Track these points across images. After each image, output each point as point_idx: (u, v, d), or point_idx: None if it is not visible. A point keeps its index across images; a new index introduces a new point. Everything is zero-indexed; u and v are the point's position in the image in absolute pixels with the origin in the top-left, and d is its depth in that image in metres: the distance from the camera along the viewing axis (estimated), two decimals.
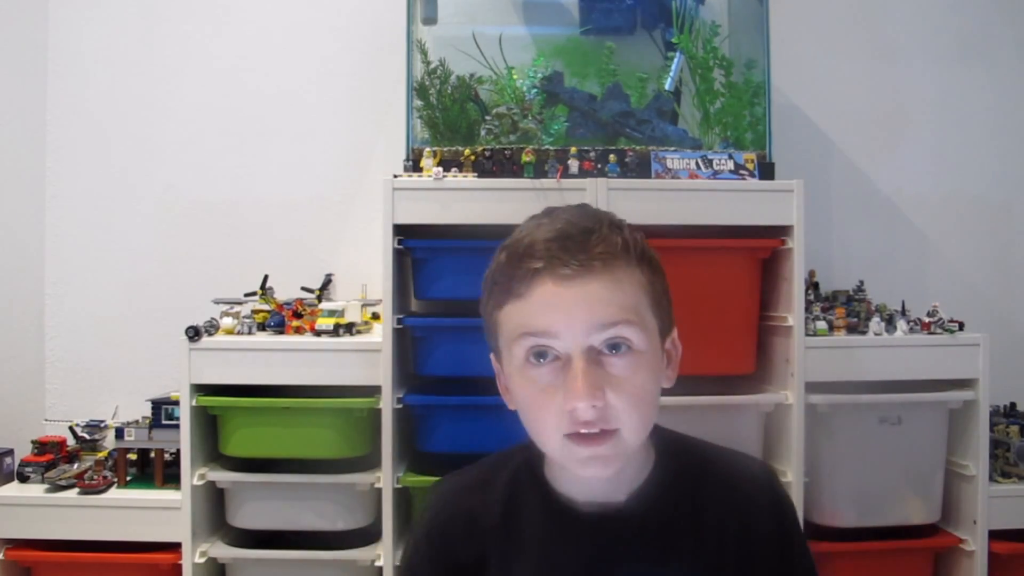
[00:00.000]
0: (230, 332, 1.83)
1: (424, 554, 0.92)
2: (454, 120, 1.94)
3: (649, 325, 0.82)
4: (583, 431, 0.78)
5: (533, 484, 0.89)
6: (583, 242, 0.79)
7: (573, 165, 1.81)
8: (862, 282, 2.01)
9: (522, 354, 0.81)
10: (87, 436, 2.02)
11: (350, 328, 1.85)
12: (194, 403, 1.76)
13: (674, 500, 0.87)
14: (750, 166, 1.84)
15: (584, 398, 0.76)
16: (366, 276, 2.03)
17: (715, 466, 0.91)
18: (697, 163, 1.84)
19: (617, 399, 0.78)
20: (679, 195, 1.78)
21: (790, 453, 1.76)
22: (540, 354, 0.80)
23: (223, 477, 1.81)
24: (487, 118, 1.93)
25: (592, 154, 1.85)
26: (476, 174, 1.80)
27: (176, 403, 1.81)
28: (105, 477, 1.89)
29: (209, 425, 1.84)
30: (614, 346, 0.79)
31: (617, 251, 0.80)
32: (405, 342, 1.85)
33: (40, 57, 2.23)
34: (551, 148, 1.87)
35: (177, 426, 1.78)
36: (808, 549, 0.91)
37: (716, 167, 1.84)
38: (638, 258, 0.82)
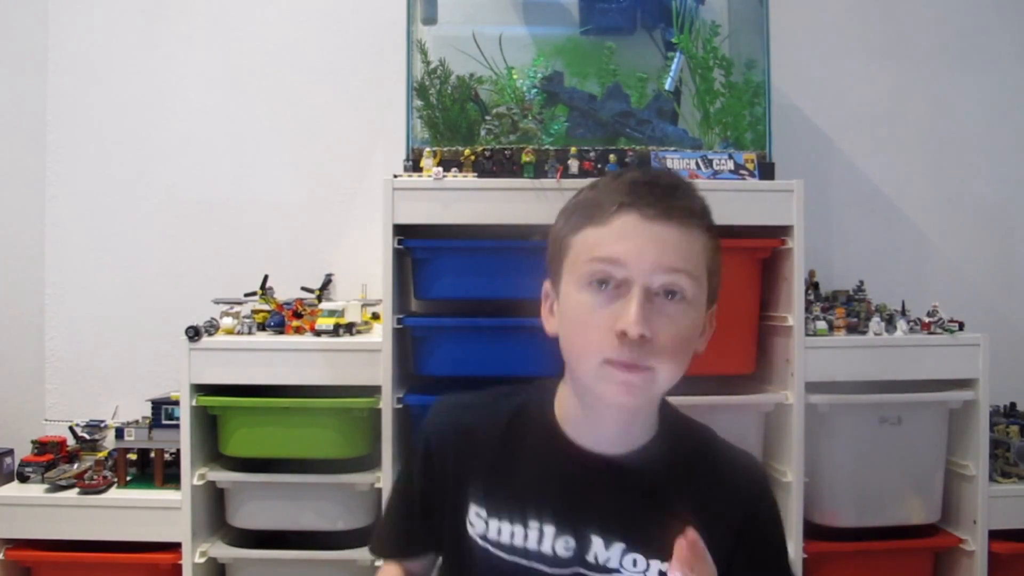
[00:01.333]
0: (230, 332, 1.83)
1: (420, 454, 0.99)
2: (454, 120, 1.94)
3: (702, 285, 0.88)
4: (625, 360, 0.82)
5: (540, 420, 0.95)
6: (670, 192, 0.87)
7: (573, 165, 1.81)
8: (862, 282, 2.01)
9: (586, 277, 0.86)
10: (87, 436, 2.02)
11: (350, 328, 1.85)
12: (194, 403, 1.76)
13: (669, 466, 0.92)
14: (750, 166, 1.84)
15: (636, 323, 0.81)
16: (366, 276, 2.03)
17: (715, 454, 0.97)
18: (697, 163, 1.84)
19: (662, 338, 0.83)
20: None
21: (790, 453, 1.76)
22: (603, 281, 0.85)
23: (223, 477, 1.81)
24: (487, 118, 1.93)
25: (592, 154, 1.85)
26: (476, 174, 1.80)
27: (176, 403, 1.81)
28: (105, 477, 1.89)
29: (209, 425, 1.84)
30: (670, 292, 0.85)
31: (695, 210, 0.88)
32: (405, 342, 1.84)
33: (40, 57, 2.23)
34: (551, 148, 1.86)
35: (177, 426, 1.78)
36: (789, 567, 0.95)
37: (716, 167, 1.84)
38: (708, 226, 0.89)
